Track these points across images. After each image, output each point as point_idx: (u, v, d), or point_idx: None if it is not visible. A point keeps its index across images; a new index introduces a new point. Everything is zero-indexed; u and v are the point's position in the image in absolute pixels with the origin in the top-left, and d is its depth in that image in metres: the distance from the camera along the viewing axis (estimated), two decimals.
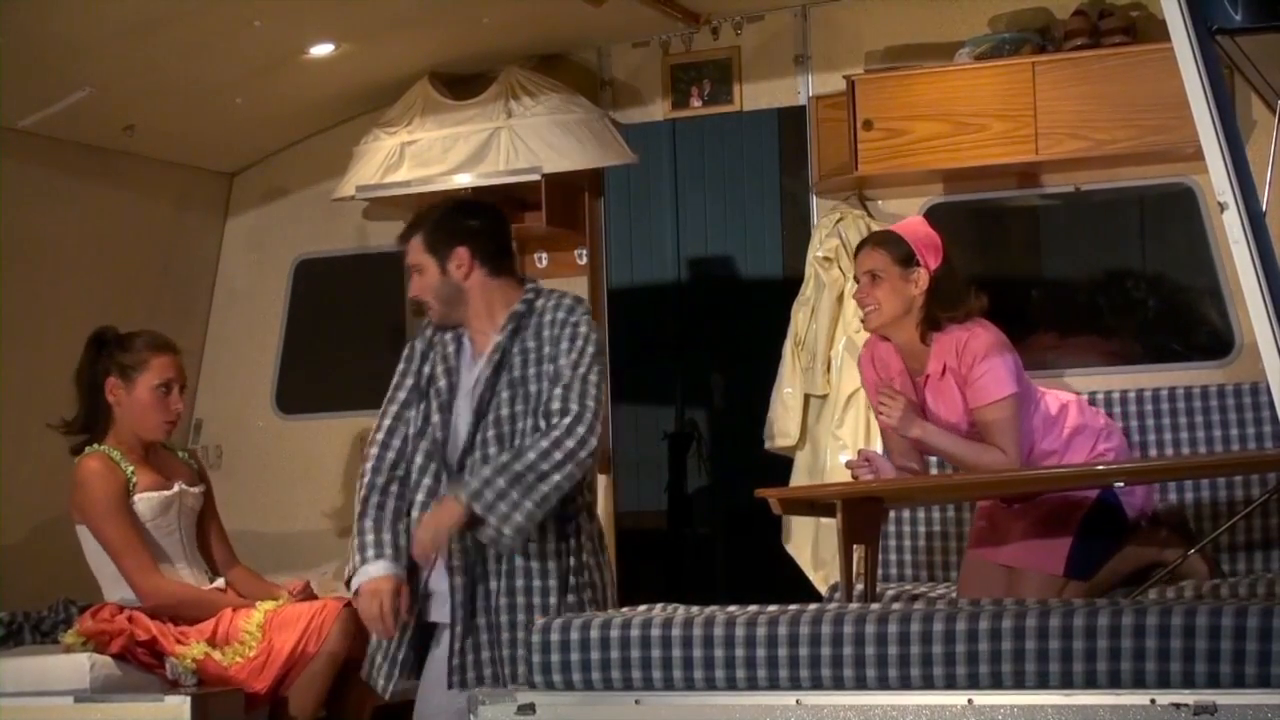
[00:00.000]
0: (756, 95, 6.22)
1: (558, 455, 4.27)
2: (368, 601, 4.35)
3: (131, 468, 4.96)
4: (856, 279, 4.92)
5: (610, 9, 5.65)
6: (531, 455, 4.26)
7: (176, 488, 5.04)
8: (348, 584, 4.49)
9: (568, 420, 4.30)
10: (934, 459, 5.05)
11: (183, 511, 5.05)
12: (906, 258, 4.81)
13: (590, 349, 4.40)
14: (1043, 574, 4.73)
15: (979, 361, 4.70)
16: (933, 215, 5.94)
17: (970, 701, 3.48)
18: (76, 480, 4.95)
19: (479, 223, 4.54)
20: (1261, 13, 3.61)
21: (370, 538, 4.44)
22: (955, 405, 4.76)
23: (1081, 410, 4.95)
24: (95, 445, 5.00)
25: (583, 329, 4.43)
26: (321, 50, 5.82)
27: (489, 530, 4.24)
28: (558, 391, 4.35)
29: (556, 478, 4.25)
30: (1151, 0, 5.64)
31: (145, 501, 4.95)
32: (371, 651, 4.49)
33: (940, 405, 4.79)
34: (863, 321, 4.97)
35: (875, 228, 5.90)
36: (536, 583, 4.39)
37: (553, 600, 4.37)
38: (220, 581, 5.10)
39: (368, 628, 4.43)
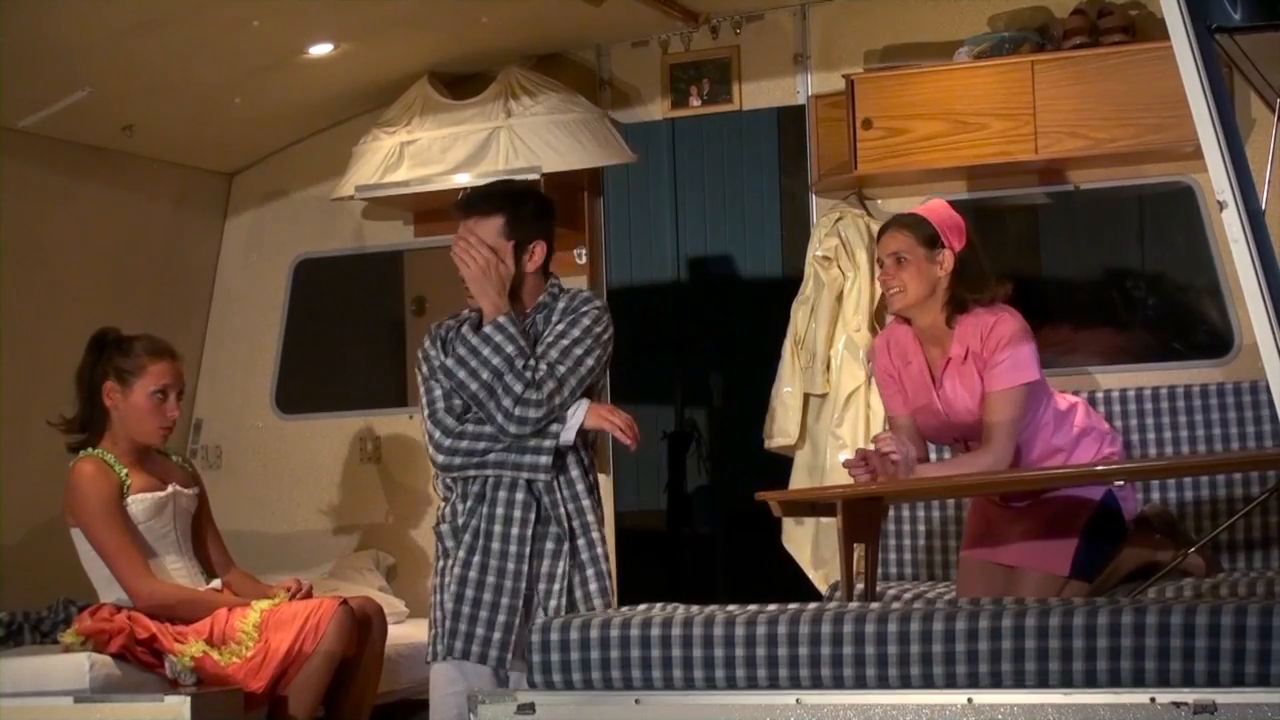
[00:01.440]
0: (756, 94, 6.22)
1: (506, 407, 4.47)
2: (610, 413, 4.55)
3: (125, 471, 4.95)
4: (880, 262, 4.86)
5: (610, 9, 5.65)
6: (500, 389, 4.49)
7: (170, 489, 5.04)
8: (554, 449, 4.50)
9: (531, 394, 4.47)
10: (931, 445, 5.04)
11: (177, 513, 5.05)
12: (931, 239, 4.77)
13: (585, 336, 4.59)
14: (1045, 574, 4.71)
15: (1003, 346, 4.66)
16: None
17: (970, 700, 3.49)
18: (70, 484, 4.94)
19: (552, 222, 4.75)
20: (1261, 11, 3.61)
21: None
22: (975, 390, 4.71)
23: (1088, 413, 4.94)
24: (89, 449, 5.00)
25: (586, 320, 4.60)
26: (320, 50, 5.82)
27: None
28: (543, 366, 4.51)
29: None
30: None
31: (139, 503, 4.95)
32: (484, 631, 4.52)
33: (959, 389, 4.74)
34: (886, 304, 4.91)
35: (875, 227, 5.90)
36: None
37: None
38: (216, 583, 5.10)
39: (625, 432, 4.54)
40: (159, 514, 4.99)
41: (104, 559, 4.90)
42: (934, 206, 4.92)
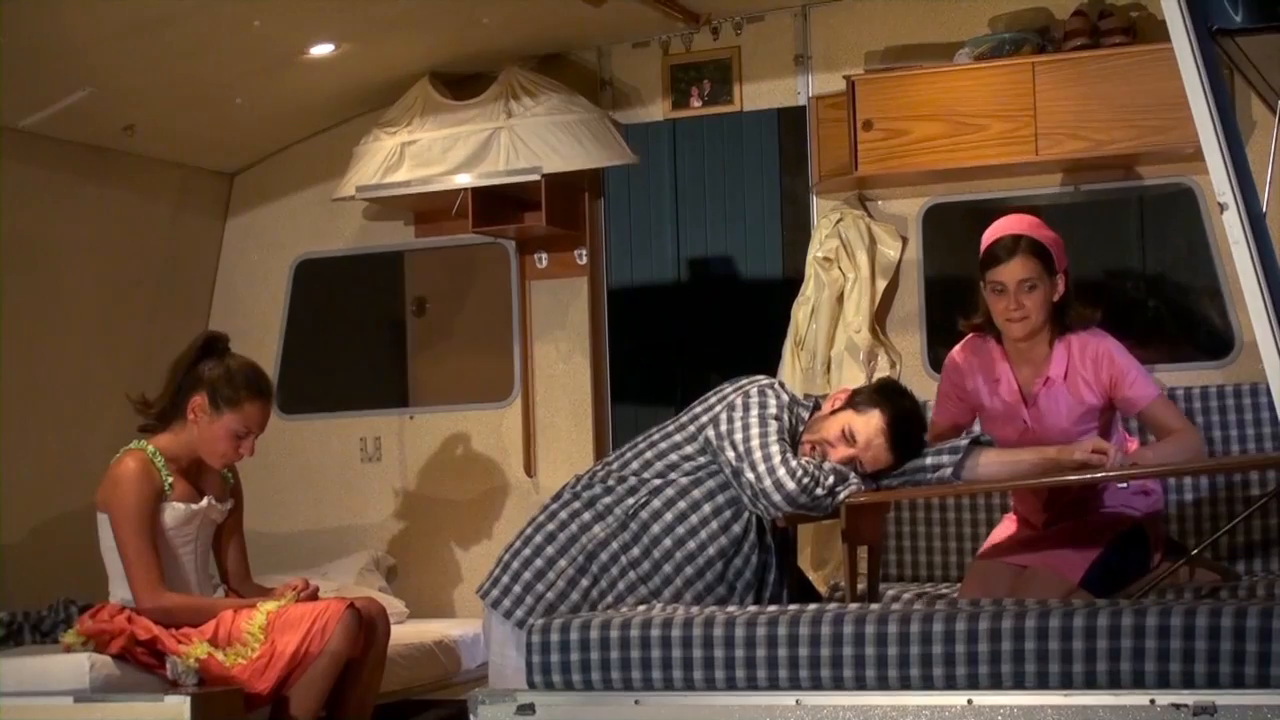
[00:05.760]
0: (756, 95, 6.23)
1: None
2: None
3: (170, 479, 4.90)
4: (999, 288, 4.64)
5: (610, 9, 5.65)
6: None
7: (205, 501, 4.98)
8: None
9: None
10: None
11: (203, 524, 5.00)
12: (1050, 264, 4.67)
13: None
14: (1055, 576, 4.63)
15: (1126, 369, 4.64)
16: (932, 215, 5.96)
17: (970, 702, 3.49)
18: (113, 476, 4.87)
19: None
20: (1261, 13, 3.61)
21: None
22: (1069, 408, 4.66)
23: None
24: (142, 441, 4.94)
25: None
26: (321, 50, 5.82)
27: None
28: None
29: None
30: (1151, 0, 5.64)
31: (172, 510, 4.89)
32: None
33: (1051, 408, 4.67)
34: (1003, 330, 4.74)
35: (875, 228, 5.90)
36: None
37: None
38: (221, 590, 5.09)
39: None
40: (187, 524, 4.93)
41: (122, 559, 4.85)
42: (1038, 226, 4.74)
